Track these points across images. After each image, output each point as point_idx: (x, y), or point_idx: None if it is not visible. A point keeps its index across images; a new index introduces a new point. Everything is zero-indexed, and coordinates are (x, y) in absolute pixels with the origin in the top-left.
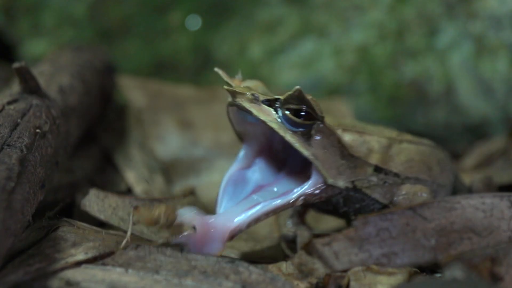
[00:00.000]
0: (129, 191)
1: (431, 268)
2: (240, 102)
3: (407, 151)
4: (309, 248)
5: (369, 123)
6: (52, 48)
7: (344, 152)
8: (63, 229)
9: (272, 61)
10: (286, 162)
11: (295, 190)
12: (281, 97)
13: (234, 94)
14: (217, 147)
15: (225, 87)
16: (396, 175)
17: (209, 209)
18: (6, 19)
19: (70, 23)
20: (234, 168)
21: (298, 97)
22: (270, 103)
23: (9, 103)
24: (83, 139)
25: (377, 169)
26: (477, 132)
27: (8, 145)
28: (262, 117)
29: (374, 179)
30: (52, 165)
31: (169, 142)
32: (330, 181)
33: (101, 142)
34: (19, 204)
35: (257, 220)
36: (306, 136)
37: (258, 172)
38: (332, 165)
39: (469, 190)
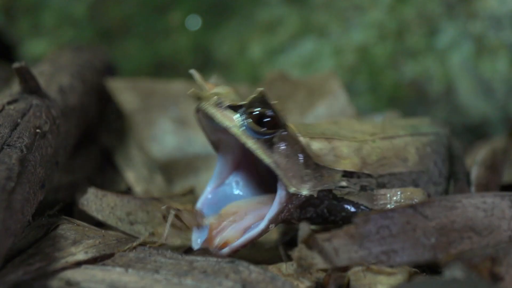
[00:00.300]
0: (129, 191)
1: (431, 268)
2: (205, 107)
3: (379, 150)
4: (309, 242)
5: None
6: (52, 48)
7: (308, 161)
8: (62, 227)
9: (272, 61)
10: (266, 171)
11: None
12: (245, 101)
13: (199, 97)
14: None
15: (189, 92)
16: (368, 175)
17: None
18: (6, 19)
19: (70, 23)
20: (210, 187)
21: (262, 101)
22: (235, 109)
23: (9, 103)
24: (83, 139)
25: (347, 175)
26: (477, 132)
27: (8, 145)
28: (225, 123)
29: (344, 184)
30: (52, 165)
31: (165, 142)
32: (292, 189)
33: (101, 142)
34: (19, 204)
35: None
36: (269, 144)
37: (237, 187)
38: (296, 174)
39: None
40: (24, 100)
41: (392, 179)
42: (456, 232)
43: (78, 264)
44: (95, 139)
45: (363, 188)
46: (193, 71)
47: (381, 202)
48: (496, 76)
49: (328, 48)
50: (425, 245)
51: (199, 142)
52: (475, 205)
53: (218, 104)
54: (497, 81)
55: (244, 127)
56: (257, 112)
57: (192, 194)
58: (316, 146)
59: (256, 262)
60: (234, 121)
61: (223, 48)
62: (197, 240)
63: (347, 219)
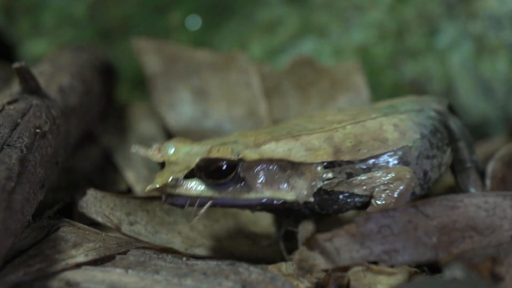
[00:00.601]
0: (129, 191)
1: (431, 268)
2: (167, 192)
3: (352, 136)
4: (310, 243)
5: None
6: (52, 48)
7: (283, 164)
8: (63, 230)
9: (272, 61)
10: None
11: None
12: (194, 166)
13: (159, 190)
14: (230, 120)
15: (146, 190)
16: (350, 162)
17: None
18: (6, 19)
19: (70, 23)
20: None
21: (206, 165)
22: (191, 175)
23: (9, 103)
24: (83, 139)
25: (329, 166)
26: (477, 132)
27: (8, 145)
28: (194, 193)
29: (330, 175)
30: (52, 165)
31: (181, 111)
32: (290, 199)
33: (101, 142)
34: (19, 204)
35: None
36: (241, 181)
37: None
38: (281, 184)
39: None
40: (24, 100)
41: (376, 162)
42: (458, 231)
43: (78, 265)
44: (95, 139)
45: (349, 176)
46: (135, 148)
47: (369, 186)
48: (496, 76)
49: (328, 48)
50: (426, 244)
51: (215, 117)
52: (477, 205)
53: (176, 183)
54: (497, 81)
55: (210, 186)
56: (212, 171)
57: None
58: (283, 148)
59: (257, 259)
60: (199, 186)
61: (223, 48)
62: None
63: (339, 211)
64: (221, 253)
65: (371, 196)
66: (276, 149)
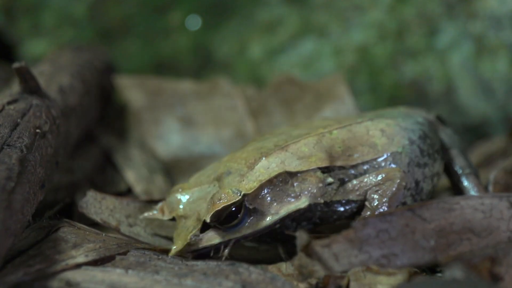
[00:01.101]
0: (129, 191)
1: (431, 268)
2: (192, 249)
3: (339, 140)
4: (308, 250)
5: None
6: (52, 48)
7: (282, 177)
8: (63, 230)
9: (272, 61)
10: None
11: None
12: (205, 218)
13: (182, 253)
14: (219, 143)
15: (170, 254)
16: (341, 167)
17: None
18: (6, 19)
19: (70, 23)
20: None
21: (216, 218)
22: (205, 227)
23: (9, 103)
24: (83, 139)
25: (324, 171)
26: (477, 132)
27: (8, 145)
28: (216, 241)
29: (331, 180)
30: (52, 165)
31: (170, 141)
32: (303, 205)
33: (101, 142)
34: (19, 204)
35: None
36: (253, 214)
37: None
38: (289, 195)
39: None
40: (24, 100)
41: (368, 168)
42: (455, 234)
43: (78, 266)
44: (95, 139)
45: (341, 182)
46: (143, 217)
47: (362, 190)
48: (496, 76)
49: (328, 48)
50: (424, 247)
51: (205, 141)
52: (474, 207)
53: (196, 239)
54: (497, 81)
55: (227, 230)
56: (222, 219)
57: None
58: (275, 162)
59: (256, 261)
60: (218, 234)
61: (223, 48)
62: None
63: (338, 220)
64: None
65: (365, 199)
66: (270, 165)
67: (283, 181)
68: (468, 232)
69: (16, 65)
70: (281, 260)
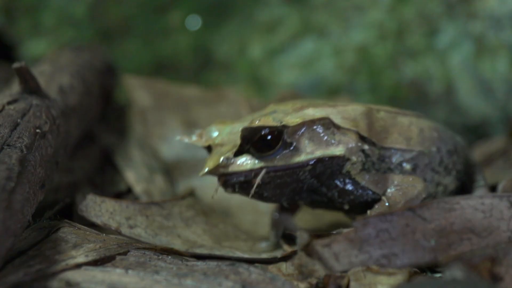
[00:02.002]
0: (129, 191)
1: (431, 268)
2: (222, 172)
3: (382, 122)
4: (309, 250)
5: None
6: (52, 48)
7: (326, 123)
8: (64, 230)
9: (272, 61)
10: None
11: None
12: (240, 142)
13: (212, 172)
14: None
15: (201, 174)
16: (373, 144)
17: (212, 209)
18: (6, 19)
19: (70, 23)
20: None
21: (250, 135)
22: (240, 152)
23: (9, 103)
24: (83, 139)
25: (361, 138)
26: (477, 132)
27: (8, 145)
28: (247, 167)
29: (365, 147)
30: (52, 165)
31: (173, 142)
32: (338, 153)
33: (101, 142)
34: (19, 204)
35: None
36: (289, 147)
37: None
38: (329, 142)
39: (494, 189)
40: (24, 100)
41: (393, 154)
42: (456, 233)
43: (78, 266)
44: (95, 139)
45: (366, 157)
46: (178, 137)
47: (384, 185)
48: (496, 76)
49: (328, 48)
50: (425, 247)
51: None
52: (474, 207)
53: (227, 162)
54: (497, 81)
55: (261, 159)
56: (259, 141)
57: (192, 197)
58: (321, 112)
59: (258, 257)
60: (251, 160)
61: (223, 48)
62: None
63: (352, 202)
64: (221, 251)
65: (382, 194)
66: (315, 113)
67: (325, 126)
68: (469, 232)
69: (16, 65)
70: (280, 257)
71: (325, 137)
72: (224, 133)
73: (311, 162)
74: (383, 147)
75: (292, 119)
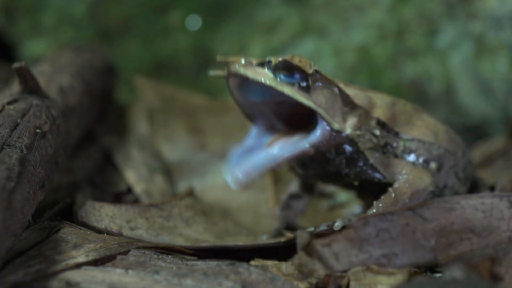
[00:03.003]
0: (129, 191)
1: (431, 268)
2: (235, 69)
3: (409, 114)
4: (308, 249)
5: None
6: (52, 48)
7: (346, 99)
8: (64, 231)
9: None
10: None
11: (304, 140)
12: (272, 60)
13: (228, 63)
14: (225, 153)
15: (218, 57)
16: (396, 134)
17: (212, 209)
18: (6, 19)
19: (70, 23)
20: (244, 144)
21: (285, 67)
22: (264, 65)
23: (9, 103)
24: (83, 139)
25: (380, 124)
26: (477, 132)
27: (8, 145)
28: (259, 77)
29: (377, 132)
30: (52, 165)
31: (177, 144)
32: (336, 126)
33: (101, 142)
34: (19, 204)
35: (266, 169)
36: (305, 88)
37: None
38: (336, 111)
39: (492, 189)
40: (24, 100)
41: (420, 147)
42: (456, 233)
43: (79, 266)
44: (95, 139)
45: (386, 146)
46: (212, 72)
47: (393, 171)
48: (496, 76)
49: (328, 48)
50: (425, 247)
51: (211, 150)
52: (474, 206)
53: (248, 64)
54: (497, 81)
55: (278, 77)
56: (287, 63)
57: (191, 197)
58: (350, 91)
59: (259, 251)
60: (267, 74)
61: (223, 48)
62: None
63: (358, 176)
64: (225, 245)
65: (390, 183)
66: (345, 88)
67: (344, 101)
68: (469, 231)
69: (16, 65)
70: (281, 251)
71: (338, 107)
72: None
73: (311, 111)
74: (409, 139)
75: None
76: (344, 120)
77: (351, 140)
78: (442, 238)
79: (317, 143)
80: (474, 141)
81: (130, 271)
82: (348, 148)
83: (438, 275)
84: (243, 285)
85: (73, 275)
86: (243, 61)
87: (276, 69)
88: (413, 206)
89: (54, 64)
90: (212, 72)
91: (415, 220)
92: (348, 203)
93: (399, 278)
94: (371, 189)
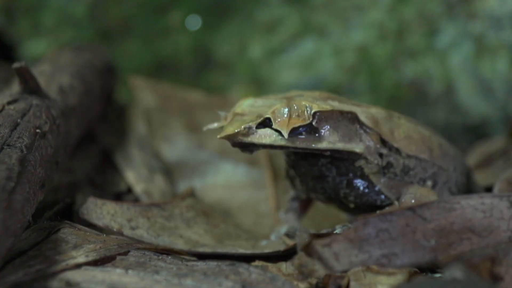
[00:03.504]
0: (129, 191)
1: (431, 268)
2: (239, 140)
3: (406, 127)
4: (309, 250)
5: None
6: (52, 48)
7: (352, 117)
8: (64, 231)
9: (272, 61)
10: None
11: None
12: (268, 115)
13: (229, 137)
14: (224, 152)
15: (219, 136)
16: (397, 151)
17: (213, 210)
18: (6, 19)
19: (70, 23)
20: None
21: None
22: (264, 124)
23: (9, 103)
24: (83, 139)
25: (382, 141)
26: (477, 132)
27: (8, 145)
28: (266, 141)
29: (382, 151)
30: (52, 165)
31: (176, 144)
32: (360, 151)
33: (101, 142)
34: (19, 204)
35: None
36: (313, 132)
37: None
38: (351, 136)
39: (488, 190)
40: (24, 100)
41: (417, 165)
42: (456, 233)
43: (79, 266)
44: (95, 139)
45: (387, 166)
46: (206, 127)
47: (398, 191)
48: (496, 76)
49: (328, 48)
50: (425, 247)
51: (209, 149)
52: (474, 206)
53: (249, 131)
54: (497, 81)
55: (281, 136)
56: (285, 117)
57: (192, 198)
58: (347, 107)
59: (259, 254)
60: (272, 136)
61: (223, 48)
62: None
63: (359, 197)
64: (224, 249)
65: (395, 200)
66: (342, 106)
67: (351, 120)
68: (469, 231)
69: (16, 65)
70: (281, 255)
71: (349, 131)
72: (247, 105)
73: (329, 150)
74: (409, 156)
75: (322, 105)
76: (361, 140)
77: (357, 162)
78: (442, 238)
79: (335, 151)
80: (474, 141)
81: (130, 271)
82: (352, 171)
83: (438, 275)
84: (243, 285)
85: (73, 275)
86: (242, 131)
87: (275, 119)
88: (413, 206)
89: (54, 64)
90: (205, 128)
91: (415, 220)
92: None
93: (399, 278)
94: (365, 209)
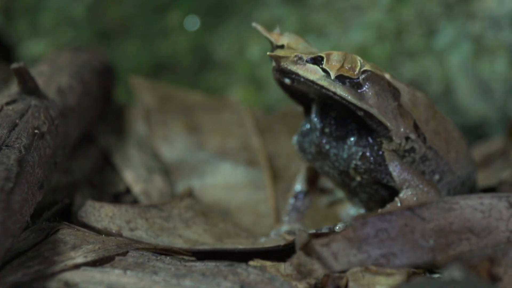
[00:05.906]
0: (128, 191)
1: (429, 269)
2: (285, 65)
3: (439, 122)
4: (307, 249)
5: None
6: (51, 48)
7: (396, 95)
8: (62, 232)
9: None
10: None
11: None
12: (323, 54)
13: (277, 59)
14: (223, 152)
15: (268, 53)
16: (424, 139)
17: (212, 210)
18: (5, 19)
19: (69, 24)
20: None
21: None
22: (315, 61)
23: (7, 103)
24: (81, 139)
25: (415, 126)
26: (476, 132)
27: (6, 146)
28: (310, 76)
29: (412, 136)
30: (50, 166)
31: (175, 144)
32: (391, 127)
33: (100, 143)
34: (18, 205)
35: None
36: (356, 87)
37: None
38: (387, 110)
39: (486, 190)
40: (23, 101)
41: (433, 158)
42: (454, 233)
43: (77, 266)
44: (93, 139)
45: (410, 150)
46: (255, 25)
47: (404, 176)
48: (495, 77)
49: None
50: (424, 247)
51: (209, 149)
52: (473, 206)
53: (298, 60)
54: (496, 81)
55: (329, 77)
56: (338, 63)
57: (190, 198)
58: (396, 84)
59: (259, 252)
60: (318, 73)
61: (222, 49)
62: None
63: (368, 171)
64: (224, 248)
65: (398, 190)
66: (393, 80)
67: (393, 96)
68: (468, 232)
69: (14, 65)
70: (280, 253)
71: (389, 104)
72: (300, 44)
73: (362, 110)
74: (430, 147)
75: (375, 68)
76: (395, 118)
77: (380, 132)
78: (441, 238)
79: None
80: (473, 142)
81: (128, 272)
82: (370, 138)
83: (436, 275)
84: (241, 285)
85: (72, 276)
86: (292, 57)
87: (328, 60)
88: (412, 206)
89: (52, 65)
90: (255, 25)
91: (414, 220)
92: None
93: (397, 278)
94: (369, 192)
